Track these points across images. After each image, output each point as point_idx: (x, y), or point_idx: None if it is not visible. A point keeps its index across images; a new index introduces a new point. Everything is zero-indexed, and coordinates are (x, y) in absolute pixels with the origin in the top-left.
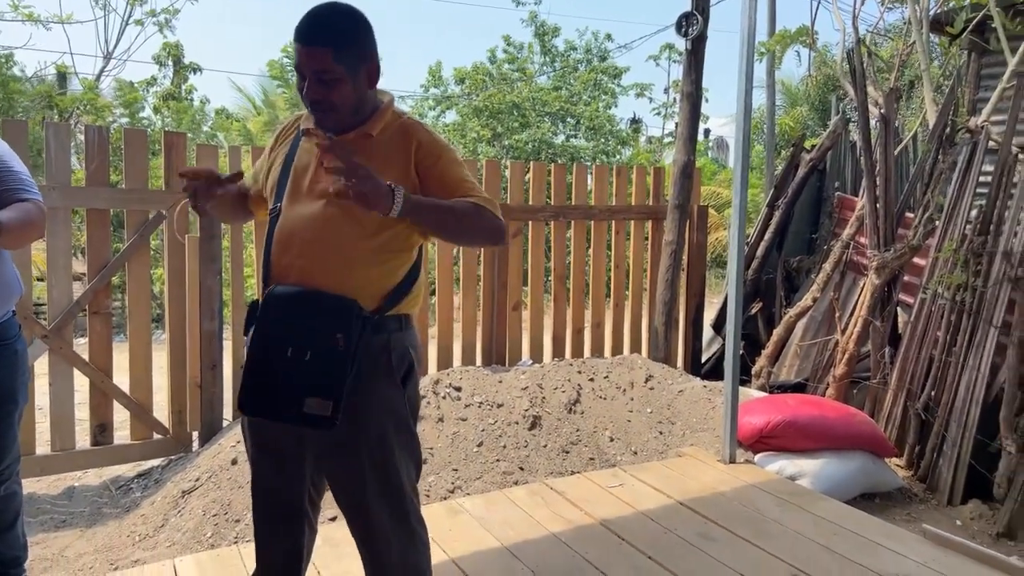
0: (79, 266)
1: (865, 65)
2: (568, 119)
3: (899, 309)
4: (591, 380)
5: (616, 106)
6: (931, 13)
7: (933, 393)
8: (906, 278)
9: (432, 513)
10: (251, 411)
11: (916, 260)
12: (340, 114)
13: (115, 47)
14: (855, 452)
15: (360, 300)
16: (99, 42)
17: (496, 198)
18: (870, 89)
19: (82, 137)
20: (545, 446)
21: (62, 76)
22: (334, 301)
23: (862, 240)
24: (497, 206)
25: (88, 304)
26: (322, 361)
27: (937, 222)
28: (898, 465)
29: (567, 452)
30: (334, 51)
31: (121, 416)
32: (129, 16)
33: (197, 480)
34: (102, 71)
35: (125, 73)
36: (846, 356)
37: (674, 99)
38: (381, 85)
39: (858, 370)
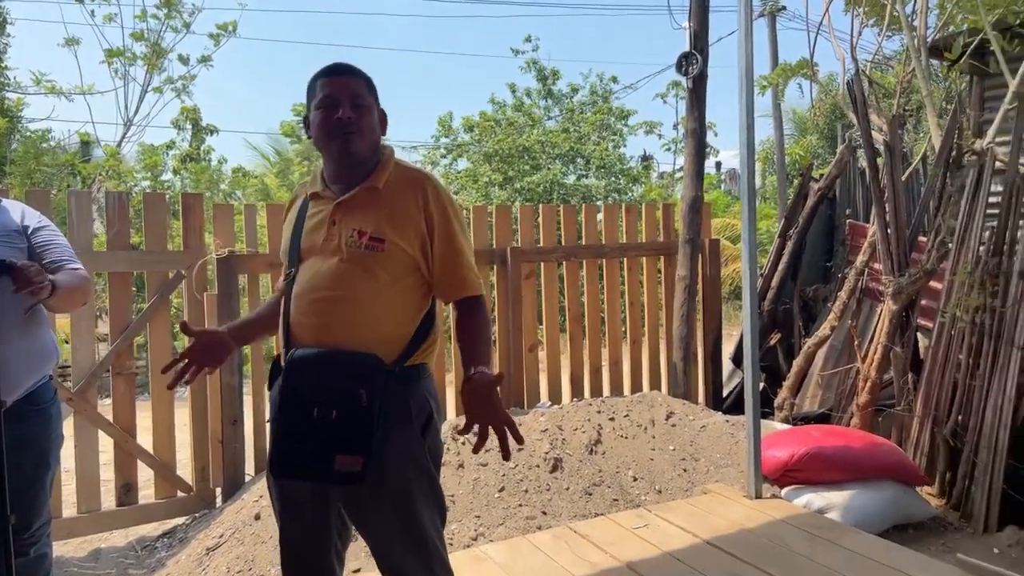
0: (102, 327)
1: (867, 93)
2: (578, 159)
3: (919, 334)
4: (611, 419)
5: (625, 145)
6: (929, 39)
7: (960, 418)
8: (923, 302)
9: (455, 561)
10: (283, 474)
11: (932, 284)
12: (366, 142)
13: (135, 114)
14: (884, 482)
15: (379, 353)
16: (119, 110)
17: (508, 242)
18: (873, 116)
19: (102, 200)
20: (567, 488)
21: (85, 144)
22: (355, 358)
23: (876, 266)
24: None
25: (111, 365)
26: (348, 419)
27: (950, 245)
28: (929, 494)
29: (590, 494)
30: (365, 83)
31: (145, 475)
32: (148, 84)
33: (221, 536)
34: (123, 137)
35: (146, 138)
36: (868, 384)
37: (683, 135)
38: (394, 137)
39: (882, 398)
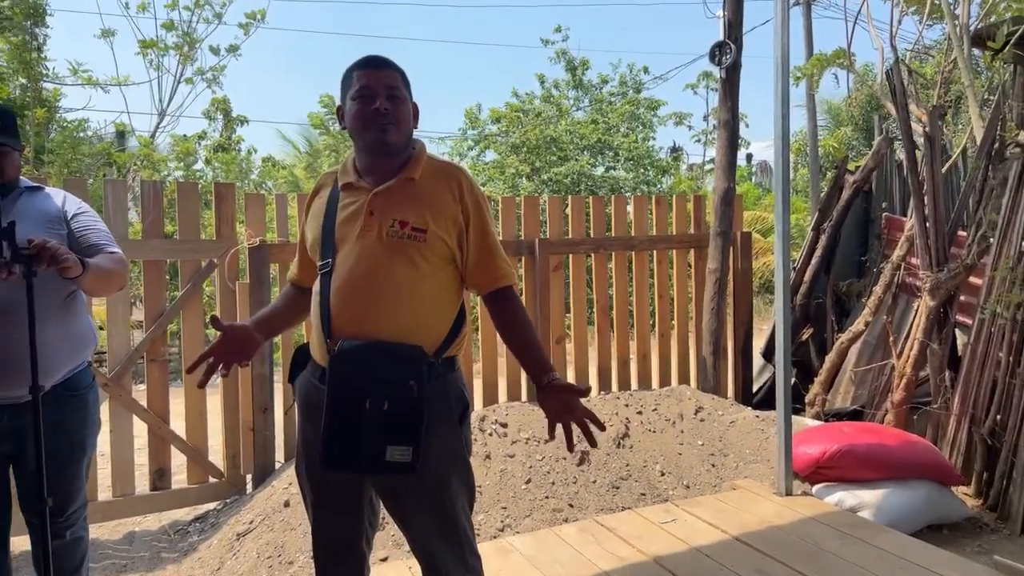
0: (137, 314)
1: (906, 83)
2: (606, 151)
3: (957, 331)
4: (639, 413)
5: (655, 137)
6: (972, 28)
7: (999, 417)
8: (962, 298)
9: (482, 552)
10: (334, 465)
11: (972, 279)
12: (401, 133)
13: (168, 104)
14: (919, 481)
15: (422, 346)
16: (154, 101)
17: (536, 234)
18: (912, 107)
19: (139, 191)
20: (594, 482)
21: (120, 134)
22: (404, 350)
23: (913, 261)
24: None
25: (146, 352)
26: (399, 409)
27: (991, 239)
28: (965, 494)
29: (617, 487)
30: (400, 76)
31: (178, 461)
32: (181, 75)
33: (251, 523)
34: (157, 127)
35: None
36: (904, 381)
37: (713, 126)
38: (421, 128)
39: (917, 395)
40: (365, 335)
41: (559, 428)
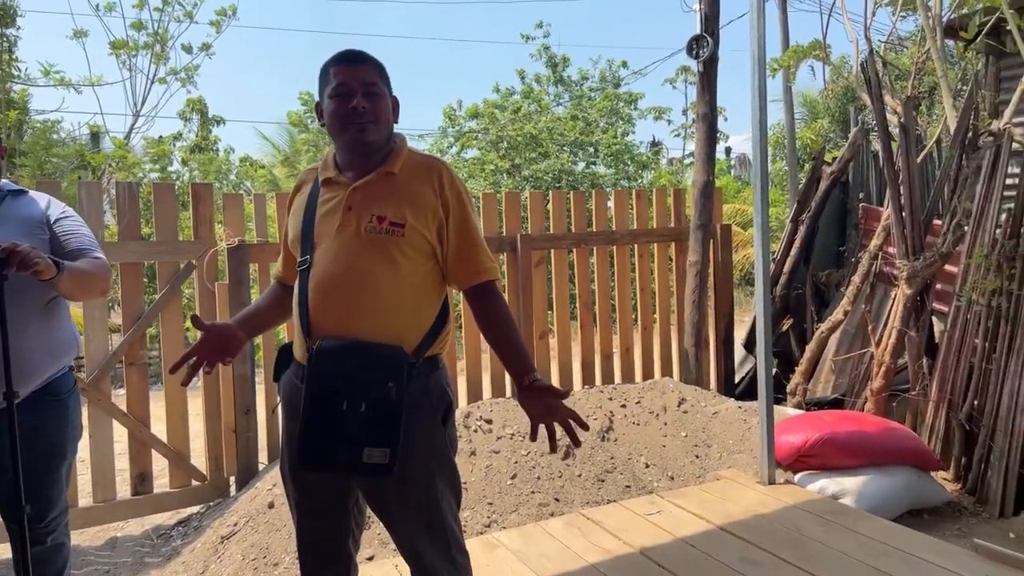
0: (115, 318)
1: (881, 75)
2: (587, 147)
3: (934, 318)
4: (623, 406)
5: (634, 132)
6: (944, 19)
7: (976, 402)
8: (938, 286)
9: (469, 548)
10: (310, 465)
11: (947, 267)
12: (380, 130)
13: (142, 105)
14: (899, 467)
15: (403, 344)
16: (128, 101)
17: (517, 230)
18: (887, 98)
19: (114, 192)
20: (580, 475)
21: (95, 135)
22: (383, 350)
23: (890, 250)
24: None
25: (124, 355)
26: (377, 411)
27: (966, 228)
28: (945, 479)
29: (602, 481)
30: (378, 71)
31: (159, 465)
32: (154, 75)
33: (235, 525)
34: (131, 128)
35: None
36: (883, 369)
37: (692, 120)
38: (404, 126)
39: (896, 382)
40: (344, 333)
41: (542, 428)
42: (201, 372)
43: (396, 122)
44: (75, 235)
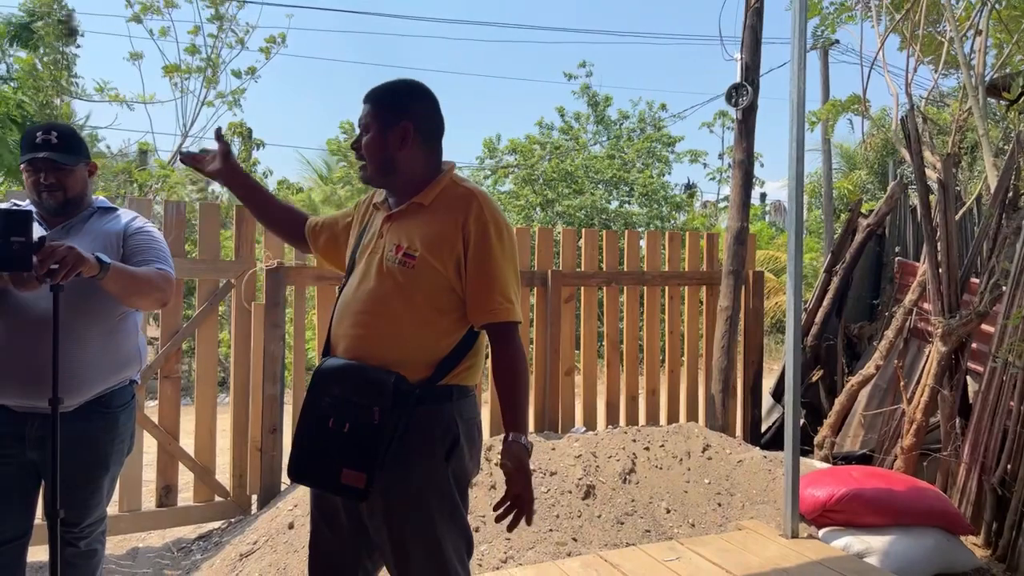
0: (152, 331)
1: (921, 130)
2: (621, 186)
3: (968, 378)
4: (646, 449)
5: (670, 173)
6: (987, 79)
7: (1009, 467)
8: (974, 345)
9: None
10: (296, 477)
11: (984, 327)
12: (372, 168)
13: (191, 126)
14: (927, 529)
15: (405, 371)
16: (178, 122)
17: (549, 265)
18: (927, 154)
19: (159, 209)
20: (599, 516)
21: (144, 153)
22: (374, 375)
23: (926, 306)
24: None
25: (160, 368)
26: (358, 434)
27: (1004, 288)
28: (974, 544)
29: (622, 523)
30: (372, 106)
31: (184, 478)
32: (204, 97)
33: (255, 543)
34: (179, 148)
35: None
36: (914, 427)
37: (728, 164)
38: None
39: (927, 441)
40: (354, 356)
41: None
42: (231, 389)
43: (402, 149)
44: (144, 247)
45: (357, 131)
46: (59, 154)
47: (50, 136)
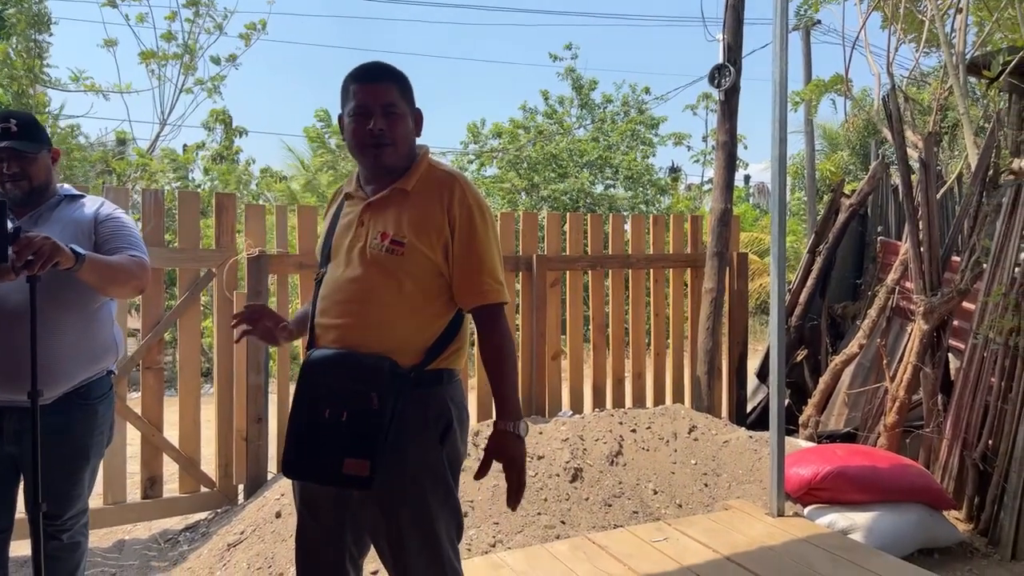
0: (133, 322)
1: (902, 109)
2: (606, 168)
3: (950, 355)
4: (633, 431)
5: (654, 155)
6: (967, 57)
7: (991, 442)
8: (955, 323)
9: (473, 568)
10: (294, 474)
11: (965, 304)
12: (399, 152)
13: (169, 114)
14: (910, 505)
15: (397, 357)
16: (155, 110)
17: (533, 250)
18: (908, 133)
19: (138, 199)
20: (587, 499)
21: (121, 142)
22: (367, 360)
23: (908, 285)
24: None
25: (142, 359)
26: (358, 422)
27: (984, 265)
28: (957, 518)
29: (609, 505)
30: (398, 87)
31: (170, 469)
32: (182, 85)
33: (242, 533)
34: (158, 136)
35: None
36: (897, 404)
37: (712, 147)
38: (427, 141)
39: (910, 418)
40: (340, 345)
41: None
42: (215, 379)
43: (419, 135)
44: (115, 234)
45: (363, 119)
46: (20, 142)
47: (9, 124)
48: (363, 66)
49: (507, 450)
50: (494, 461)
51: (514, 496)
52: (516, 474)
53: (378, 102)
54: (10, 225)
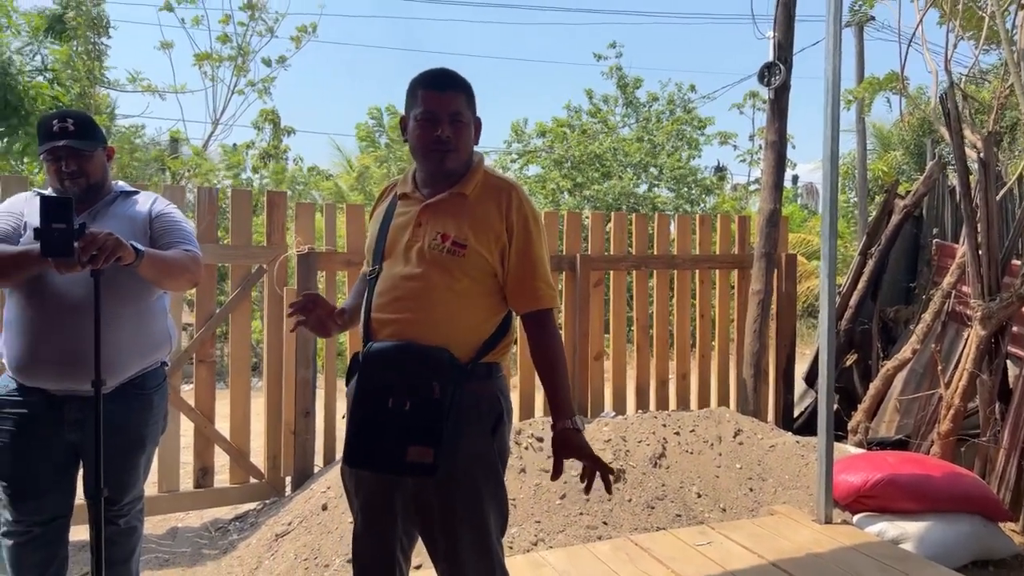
0: (187, 317)
1: (960, 108)
2: (650, 169)
3: (1008, 362)
4: (677, 434)
5: (700, 156)
6: None
7: None
8: (1014, 329)
9: (515, 566)
10: (357, 463)
11: None
12: (461, 159)
13: (222, 114)
14: (964, 515)
15: (453, 351)
16: (208, 110)
17: (577, 249)
18: (967, 133)
19: (191, 197)
20: (630, 500)
21: (175, 141)
22: (428, 351)
23: (964, 289)
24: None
25: (195, 353)
26: (421, 410)
27: None
28: (1013, 530)
29: (652, 507)
30: (465, 97)
31: (220, 460)
32: (234, 86)
33: (289, 524)
34: (210, 136)
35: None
36: (952, 412)
37: (759, 146)
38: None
39: (965, 427)
40: (402, 340)
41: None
42: (264, 373)
43: (477, 143)
44: (170, 229)
45: (430, 125)
46: (78, 140)
47: (67, 123)
48: (433, 72)
49: (575, 445)
50: (565, 459)
51: (605, 480)
52: (592, 461)
53: (446, 110)
54: (76, 221)
